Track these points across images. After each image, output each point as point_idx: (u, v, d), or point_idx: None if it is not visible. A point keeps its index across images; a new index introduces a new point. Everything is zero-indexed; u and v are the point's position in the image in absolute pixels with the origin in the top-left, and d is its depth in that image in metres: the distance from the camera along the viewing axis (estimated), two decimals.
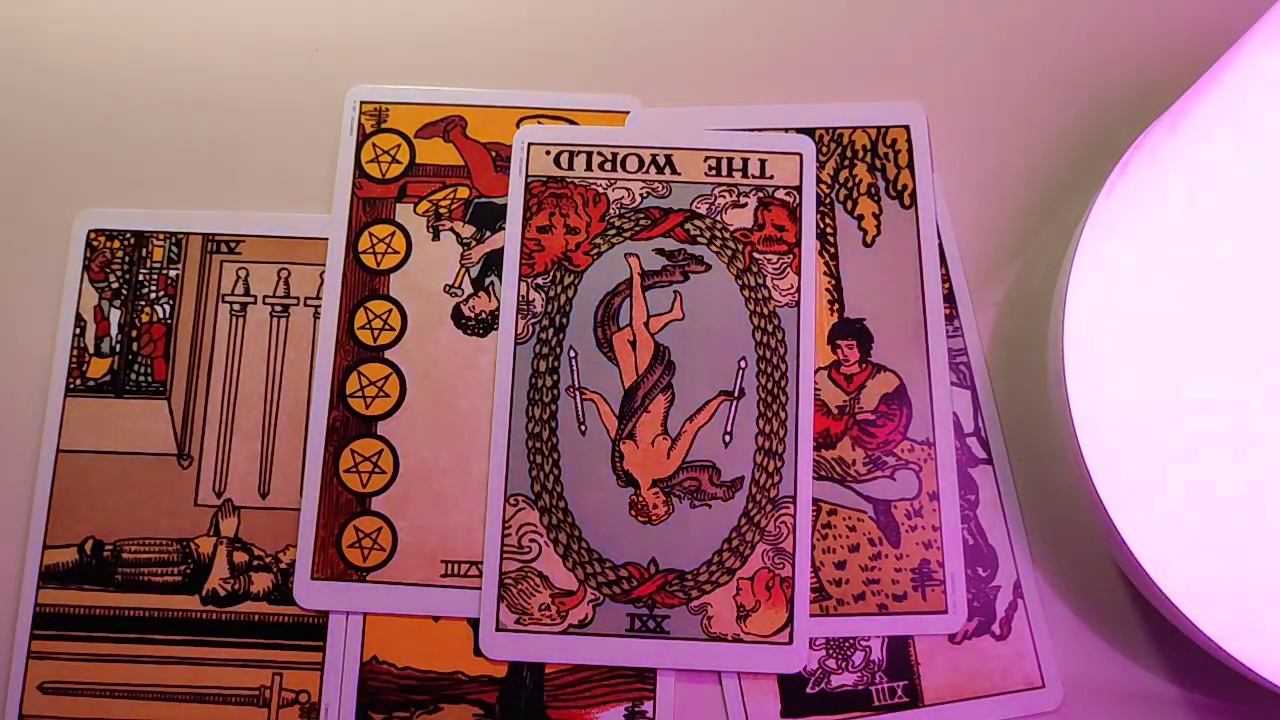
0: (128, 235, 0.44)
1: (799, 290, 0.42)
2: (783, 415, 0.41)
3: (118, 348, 0.43)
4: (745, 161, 0.44)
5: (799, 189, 0.43)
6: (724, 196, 0.43)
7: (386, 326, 0.43)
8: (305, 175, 0.44)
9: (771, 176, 0.44)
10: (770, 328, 0.42)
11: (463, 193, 0.44)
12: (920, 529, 0.41)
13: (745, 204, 0.43)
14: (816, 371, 0.42)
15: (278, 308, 0.43)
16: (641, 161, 0.44)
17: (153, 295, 0.43)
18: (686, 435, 0.41)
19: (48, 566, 0.41)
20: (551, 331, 0.42)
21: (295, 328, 0.43)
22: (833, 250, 0.43)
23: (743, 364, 0.42)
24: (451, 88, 0.45)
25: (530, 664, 0.40)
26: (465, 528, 0.41)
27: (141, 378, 0.43)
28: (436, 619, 0.40)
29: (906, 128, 0.44)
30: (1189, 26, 0.45)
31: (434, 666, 0.40)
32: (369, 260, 0.43)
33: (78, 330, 0.43)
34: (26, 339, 0.43)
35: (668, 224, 0.43)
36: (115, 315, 0.43)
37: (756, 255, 0.43)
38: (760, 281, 0.43)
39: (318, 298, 0.43)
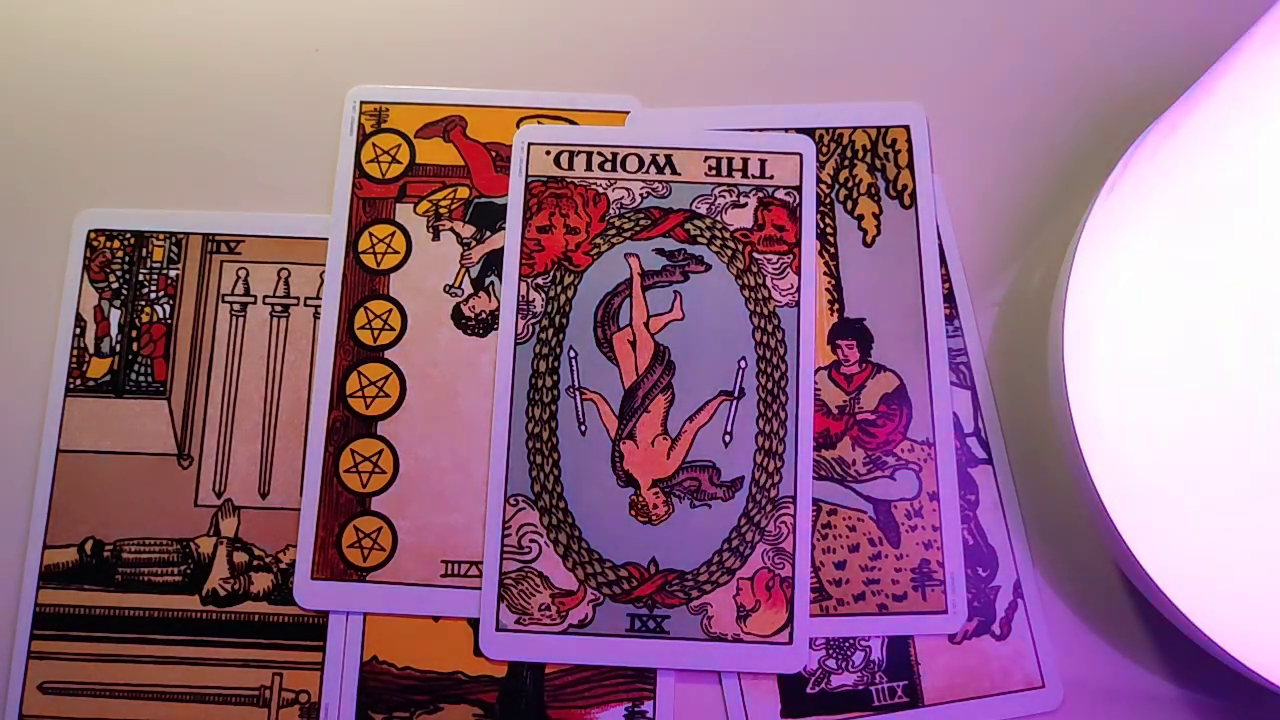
0: (128, 235, 0.44)
1: (799, 290, 0.42)
2: (783, 415, 0.41)
3: (118, 348, 0.43)
4: (745, 161, 0.44)
5: (799, 189, 0.43)
6: (724, 196, 0.43)
7: (386, 326, 0.43)
8: (305, 175, 0.44)
9: (771, 176, 0.44)
10: (770, 328, 0.42)
11: (463, 193, 0.44)
12: (920, 529, 0.41)
13: (745, 204, 0.43)
14: (816, 371, 0.42)
15: (278, 308, 0.43)
16: (641, 161, 0.44)
17: (153, 295, 0.43)
18: (686, 435, 0.41)
19: (48, 566, 0.41)
20: (551, 331, 0.42)
21: (295, 328, 0.43)
22: (833, 250, 0.43)
23: (743, 364, 0.42)
24: (451, 88, 0.45)
25: (530, 664, 0.40)
26: (465, 528, 0.41)
27: (141, 378, 0.43)
28: (436, 619, 0.40)
29: (906, 128, 0.44)
30: (1189, 27, 0.45)
31: (434, 666, 0.40)
32: (369, 260, 0.43)
33: (78, 330, 0.43)
34: (26, 339, 0.43)
35: (668, 224, 0.43)
36: (115, 315, 0.43)
37: (756, 255, 0.43)
38: (760, 281, 0.43)
39: (318, 298, 0.43)
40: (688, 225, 0.43)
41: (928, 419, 0.42)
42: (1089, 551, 0.41)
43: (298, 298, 0.43)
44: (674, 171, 0.44)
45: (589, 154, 0.44)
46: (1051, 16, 0.46)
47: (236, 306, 0.43)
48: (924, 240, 0.43)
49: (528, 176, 0.44)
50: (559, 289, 0.43)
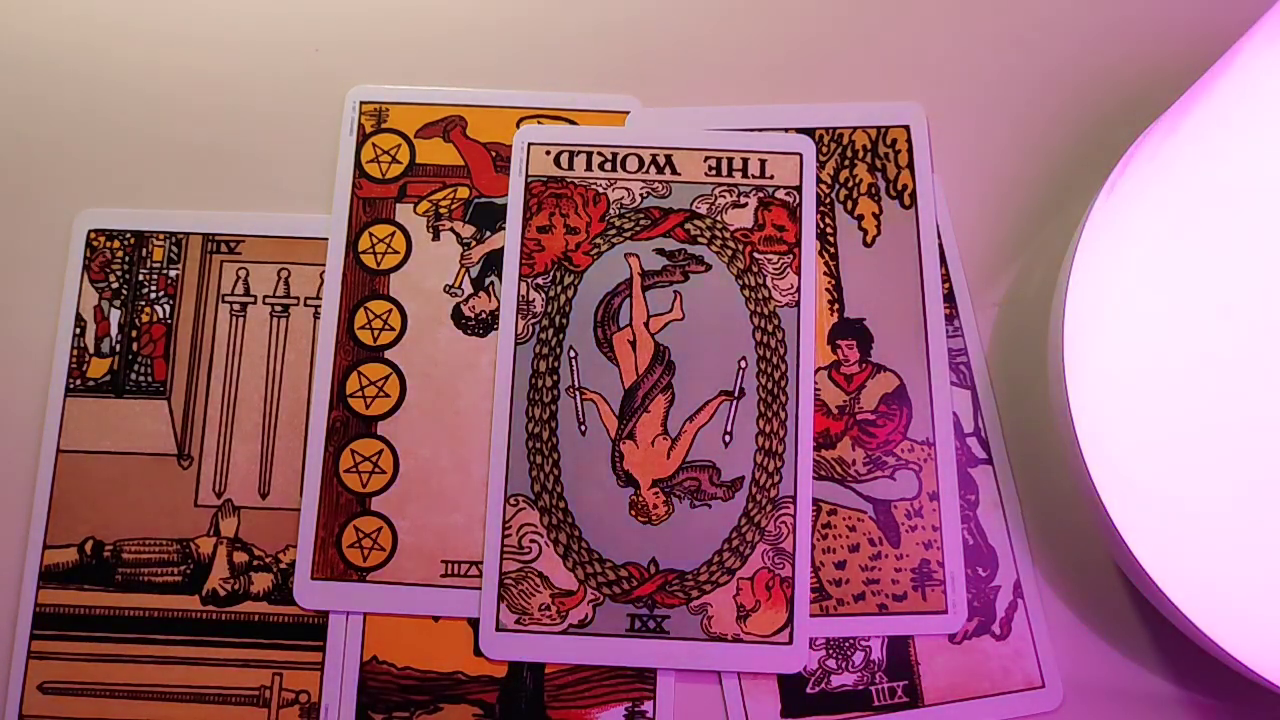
0: (128, 235, 0.44)
1: (799, 290, 0.42)
2: (783, 415, 0.41)
3: (118, 348, 0.43)
4: (745, 161, 0.44)
5: (799, 189, 0.43)
6: (724, 196, 0.43)
7: (386, 326, 0.43)
8: (305, 175, 0.44)
9: (771, 176, 0.44)
10: (770, 328, 0.42)
11: (463, 193, 0.44)
12: (920, 529, 0.41)
13: (745, 204, 0.43)
14: (816, 371, 0.42)
15: (278, 308, 0.43)
16: (641, 161, 0.44)
17: (153, 295, 0.43)
18: (686, 435, 0.41)
19: (48, 566, 0.41)
20: (551, 331, 0.42)
21: (295, 328, 0.43)
22: (833, 250, 0.43)
23: (743, 364, 0.42)
24: (451, 88, 0.45)
25: (530, 664, 0.40)
26: (465, 528, 0.41)
27: (141, 378, 0.43)
28: (436, 619, 0.40)
29: (906, 128, 0.44)
30: (1189, 27, 0.45)
31: (434, 666, 0.40)
32: (369, 260, 0.43)
33: (78, 330, 0.43)
34: (26, 339, 0.43)
35: (668, 224, 0.43)
36: (115, 315, 0.43)
37: (756, 255, 0.43)
38: (760, 281, 0.43)
39: (318, 298, 0.43)
40: (688, 225, 0.43)
41: (928, 419, 0.42)
42: (1089, 551, 0.41)
43: (298, 298, 0.43)
44: (674, 171, 0.44)
45: (589, 154, 0.44)
46: (1051, 16, 0.46)
47: (236, 306, 0.43)
48: (924, 240, 0.43)
49: (528, 176, 0.44)
50: (559, 289, 0.43)
